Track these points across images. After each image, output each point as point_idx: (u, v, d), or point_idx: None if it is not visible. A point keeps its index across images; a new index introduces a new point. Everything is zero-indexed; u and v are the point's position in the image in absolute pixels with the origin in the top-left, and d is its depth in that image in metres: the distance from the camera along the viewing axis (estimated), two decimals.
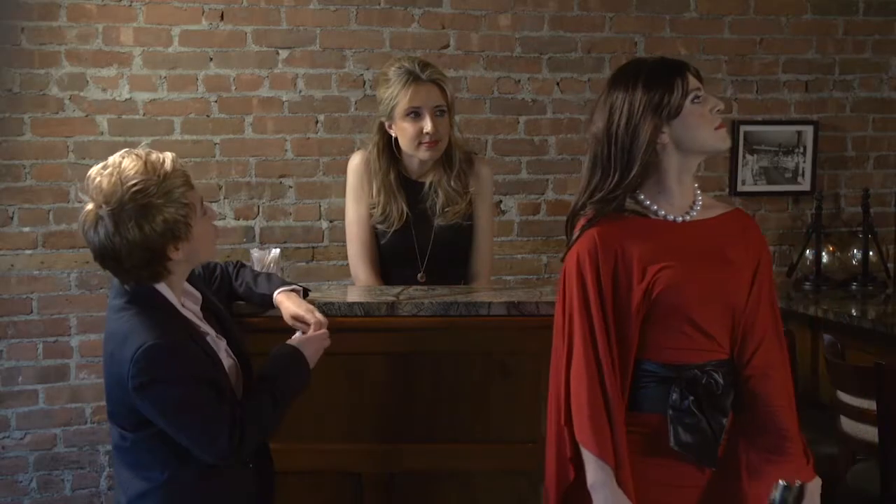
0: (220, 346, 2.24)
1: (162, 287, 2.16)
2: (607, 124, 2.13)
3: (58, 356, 4.17)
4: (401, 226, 3.02)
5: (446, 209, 3.01)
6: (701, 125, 2.13)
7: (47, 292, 4.15)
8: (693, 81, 2.15)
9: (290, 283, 2.51)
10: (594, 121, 2.17)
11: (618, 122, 2.11)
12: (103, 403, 4.32)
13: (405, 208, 3.01)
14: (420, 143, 2.94)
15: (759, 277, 2.17)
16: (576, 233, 2.16)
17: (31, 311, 4.14)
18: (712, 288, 2.12)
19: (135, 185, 2.07)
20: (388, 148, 3.02)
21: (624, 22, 4.54)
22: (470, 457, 2.66)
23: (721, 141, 2.17)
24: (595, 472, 2.07)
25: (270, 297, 2.48)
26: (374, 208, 3.04)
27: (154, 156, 2.13)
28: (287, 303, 2.44)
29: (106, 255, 2.10)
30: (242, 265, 2.61)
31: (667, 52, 4.55)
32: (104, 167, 2.11)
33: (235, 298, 2.56)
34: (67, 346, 4.18)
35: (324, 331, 2.35)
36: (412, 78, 2.91)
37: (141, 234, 2.07)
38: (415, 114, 2.92)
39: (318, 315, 2.39)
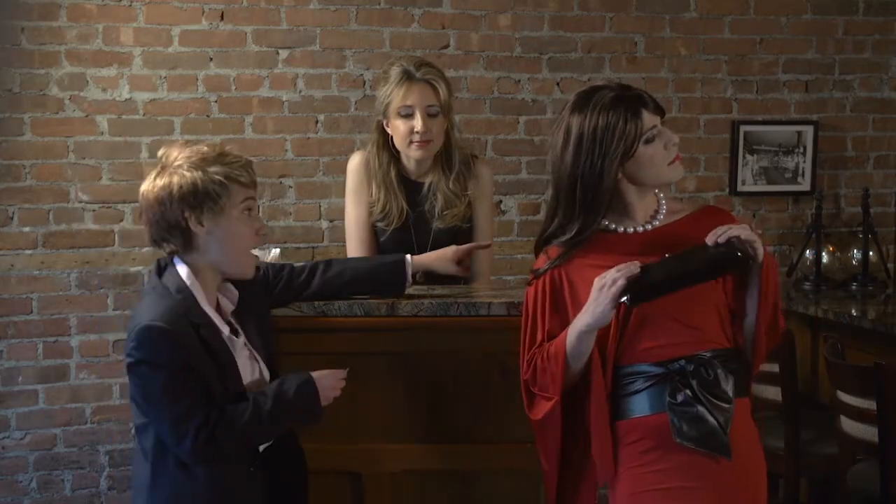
0: (237, 344, 2.24)
1: (189, 279, 2.18)
2: (573, 164, 2.17)
3: (58, 356, 4.17)
4: (400, 224, 3.02)
5: (445, 212, 3.01)
6: (653, 165, 2.18)
7: (47, 292, 4.16)
8: (649, 119, 2.16)
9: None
10: (558, 155, 2.20)
11: (583, 166, 2.16)
12: (103, 403, 4.37)
13: (405, 205, 3.01)
14: (411, 143, 2.94)
15: None
16: (542, 266, 2.25)
17: (31, 311, 4.14)
18: None
19: (191, 151, 2.18)
20: (387, 145, 3.02)
21: (624, 22, 4.54)
22: (470, 457, 2.66)
23: (673, 174, 2.23)
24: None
25: (403, 262, 2.63)
26: (374, 205, 3.04)
27: (230, 150, 2.25)
28: (434, 255, 2.75)
29: (141, 205, 2.20)
30: (327, 265, 2.61)
31: (667, 52, 4.58)
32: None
33: (321, 298, 2.57)
34: (67, 346, 4.18)
35: (343, 372, 2.34)
36: (406, 77, 2.92)
37: (167, 188, 2.15)
38: (407, 113, 2.92)
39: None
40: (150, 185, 2.18)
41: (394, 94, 2.91)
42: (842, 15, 4.71)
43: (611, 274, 2.08)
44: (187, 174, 2.15)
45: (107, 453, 4.21)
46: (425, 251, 3.01)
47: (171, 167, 2.17)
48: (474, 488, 2.68)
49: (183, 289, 2.18)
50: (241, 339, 2.27)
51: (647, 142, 2.16)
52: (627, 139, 2.13)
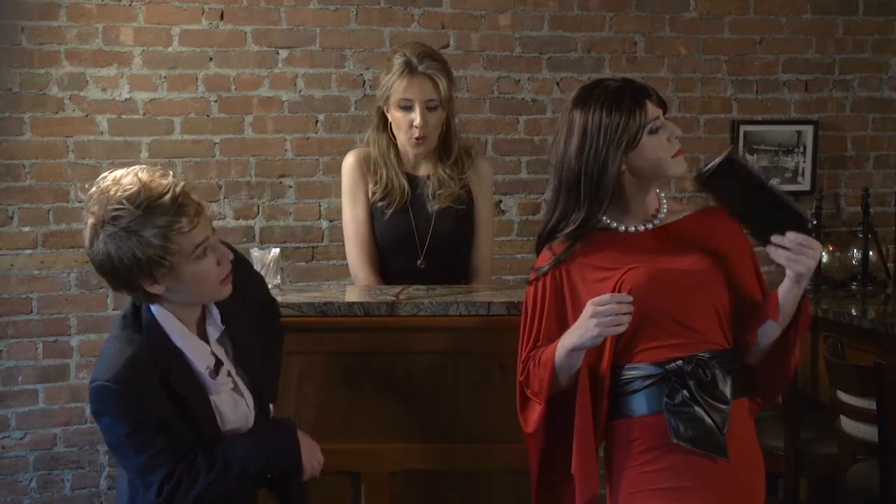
0: (217, 382, 2.15)
1: (162, 315, 2.09)
2: (577, 154, 2.17)
3: (58, 356, 4.17)
4: (401, 206, 3.02)
5: (439, 192, 3.02)
6: (657, 155, 2.17)
7: (47, 292, 4.15)
8: (652, 110, 2.17)
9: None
10: (562, 147, 2.21)
11: (587, 155, 2.16)
12: None
13: (406, 185, 3.02)
14: (409, 137, 2.95)
15: (740, 262, 2.21)
16: (543, 264, 2.25)
17: (31, 311, 4.14)
18: (684, 281, 2.15)
19: (116, 209, 1.97)
20: (387, 129, 3.04)
21: (624, 22, 4.54)
22: (470, 457, 2.66)
23: (677, 168, 2.22)
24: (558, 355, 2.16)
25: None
26: (376, 185, 3.04)
27: (159, 183, 2.00)
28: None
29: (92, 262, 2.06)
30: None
31: (667, 52, 4.58)
32: (111, 175, 2.04)
33: None
34: (67, 345, 4.18)
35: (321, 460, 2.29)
36: (408, 69, 2.92)
37: (108, 259, 1.99)
38: (406, 105, 2.93)
39: None
40: (88, 245, 2.01)
41: (395, 86, 2.92)
42: (842, 15, 4.71)
43: (607, 306, 2.06)
44: (123, 246, 1.96)
45: (106, 453, 4.20)
46: (426, 238, 3.02)
47: (101, 229, 1.98)
48: (474, 488, 2.68)
49: (153, 325, 2.08)
50: (225, 369, 2.17)
51: (651, 132, 2.16)
52: (632, 128, 2.13)
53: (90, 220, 2.01)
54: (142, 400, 2.02)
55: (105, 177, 2.05)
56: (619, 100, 2.15)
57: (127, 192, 1.98)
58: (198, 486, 2.07)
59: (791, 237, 2.06)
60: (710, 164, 2.11)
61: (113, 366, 2.02)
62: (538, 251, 2.30)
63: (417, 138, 2.94)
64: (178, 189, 2.01)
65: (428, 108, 2.93)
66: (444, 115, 2.98)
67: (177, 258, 2.00)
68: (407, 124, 2.94)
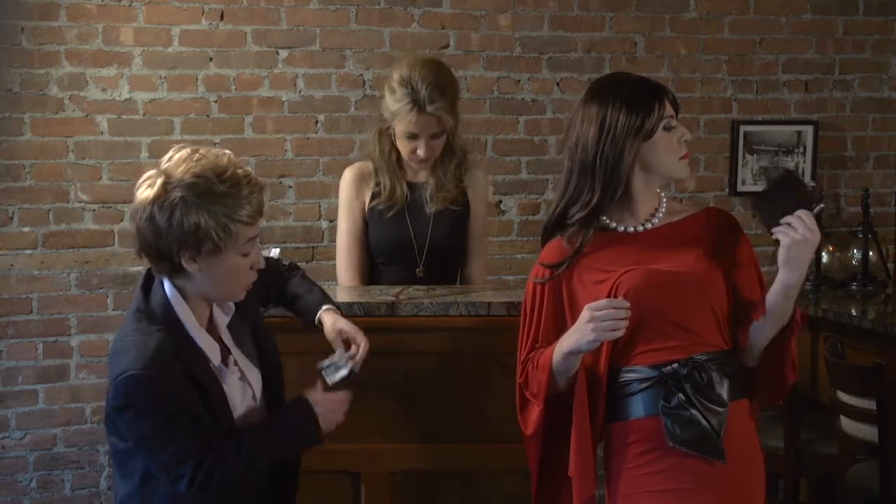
0: (227, 370, 2.16)
1: (178, 303, 2.09)
2: (595, 140, 2.18)
3: (58, 356, 4.17)
4: (398, 210, 3.02)
5: (438, 194, 3.02)
6: (668, 153, 2.20)
7: (47, 292, 4.15)
8: (668, 108, 2.20)
9: (332, 302, 2.46)
10: (577, 133, 2.22)
11: (603, 141, 2.17)
12: (103, 403, 4.33)
13: (405, 189, 3.02)
14: (411, 159, 2.98)
15: (740, 263, 2.21)
16: (557, 261, 2.23)
17: (31, 311, 4.14)
18: (682, 283, 2.15)
19: (197, 175, 2.00)
20: (389, 134, 3.03)
21: (624, 22, 4.54)
22: (470, 457, 2.66)
23: (682, 170, 2.25)
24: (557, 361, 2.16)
25: (315, 311, 2.43)
26: (377, 186, 3.05)
27: (243, 171, 2.06)
28: (334, 317, 2.41)
29: (133, 216, 2.05)
30: (293, 267, 2.57)
31: (667, 52, 4.58)
32: (190, 147, 2.07)
33: (280, 302, 2.50)
34: (67, 345, 4.18)
35: (344, 398, 2.27)
36: (416, 108, 2.89)
37: (167, 222, 1.99)
38: (411, 136, 2.93)
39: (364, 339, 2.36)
40: (147, 202, 2.01)
41: (400, 118, 2.92)
42: (842, 15, 4.71)
43: (604, 311, 2.06)
44: (191, 214, 1.98)
45: (107, 453, 4.20)
46: (424, 243, 3.02)
47: (173, 190, 1.99)
48: (474, 488, 2.68)
49: (169, 315, 2.08)
50: (232, 359, 2.19)
51: (666, 129, 2.18)
52: (651, 118, 2.16)
53: (160, 180, 2.01)
54: (170, 389, 2.02)
55: (180, 147, 2.07)
56: (640, 92, 2.19)
57: (214, 166, 2.02)
58: (227, 476, 2.08)
59: (795, 214, 2.07)
60: (770, 184, 2.13)
61: (141, 356, 2.01)
62: (545, 240, 2.29)
63: (420, 161, 2.96)
64: (253, 181, 2.07)
65: (432, 137, 2.94)
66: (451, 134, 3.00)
67: (230, 242, 2.03)
68: (410, 150, 2.96)
